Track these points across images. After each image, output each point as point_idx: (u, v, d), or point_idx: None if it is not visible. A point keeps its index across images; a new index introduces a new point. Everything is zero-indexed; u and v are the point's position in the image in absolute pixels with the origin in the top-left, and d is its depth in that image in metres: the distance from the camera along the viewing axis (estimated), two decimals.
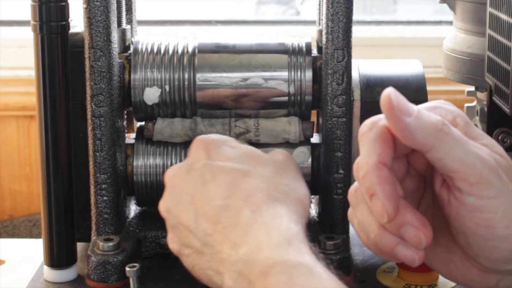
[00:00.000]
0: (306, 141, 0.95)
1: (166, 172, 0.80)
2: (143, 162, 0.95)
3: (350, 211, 0.69)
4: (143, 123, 0.97)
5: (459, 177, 0.64)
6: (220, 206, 0.71)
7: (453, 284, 0.91)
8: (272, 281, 0.61)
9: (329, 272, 0.64)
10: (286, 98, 0.94)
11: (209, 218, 0.71)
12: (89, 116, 0.91)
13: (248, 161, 0.77)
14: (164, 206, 0.78)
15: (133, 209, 0.99)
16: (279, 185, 0.75)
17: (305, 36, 0.97)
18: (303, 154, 0.94)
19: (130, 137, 0.98)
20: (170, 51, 0.94)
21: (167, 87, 0.94)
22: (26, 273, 0.96)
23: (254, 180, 0.74)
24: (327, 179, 0.92)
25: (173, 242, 0.76)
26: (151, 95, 0.94)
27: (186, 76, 0.94)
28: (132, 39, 0.98)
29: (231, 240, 0.68)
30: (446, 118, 0.67)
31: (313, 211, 0.98)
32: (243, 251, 0.66)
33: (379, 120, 0.67)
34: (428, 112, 0.65)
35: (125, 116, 0.97)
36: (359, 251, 0.96)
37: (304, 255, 0.64)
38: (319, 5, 0.95)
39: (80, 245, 0.96)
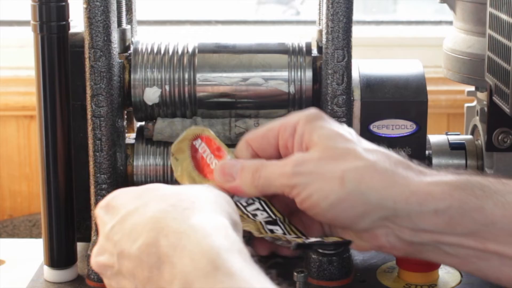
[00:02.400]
0: None
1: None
2: (143, 162, 0.95)
3: None
4: (143, 123, 0.97)
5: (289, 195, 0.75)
6: (138, 247, 0.65)
7: (453, 284, 0.91)
8: None
9: (266, 282, 0.61)
10: (286, 98, 0.94)
11: (136, 263, 0.65)
12: (89, 116, 0.91)
13: (142, 198, 0.70)
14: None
15: None
16: (181, 196, 0.69)
17: (305, 36, 0.97)
18: None
19: (130, 137, 0.98)
20: (170, 51, 0.94)
21: (167, 87, 0.94)
22: (26, 273, 0.96)
23: (154, 206, 0.67)
24: None
25: None
26: (151, 95, 0.94)
27: (186, 76, 0.94)
28: (132, 39, 0.98)
29: (164, 278, 0.63)
30: (285, 132, 0.77)
31: None
32: None
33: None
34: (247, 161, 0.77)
35: (125, 116, 0.97)
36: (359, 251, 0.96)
37: (236, 277, 0.59)
38: (319, 5, 0.95)
39: (80, 245, 0.96)
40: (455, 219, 0.73)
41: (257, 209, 0.76)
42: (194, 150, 0.83)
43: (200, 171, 0.81)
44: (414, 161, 0.76)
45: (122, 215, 0.68)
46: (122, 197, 0.71)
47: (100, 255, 0.69)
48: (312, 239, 0.74)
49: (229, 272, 0.59)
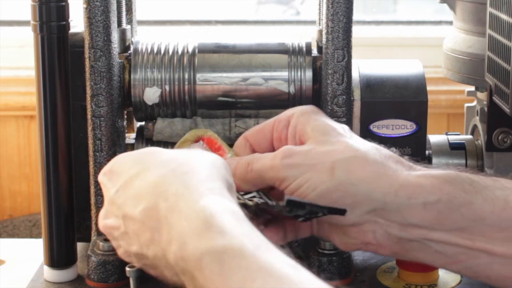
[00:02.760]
0: None
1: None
2: None
3: None
4: (143, 123, 0.97)
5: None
6: (140, 211, 0.68)
7: (453, 284, 0.91)
8: (207, 272, 0.60)
9: (258, 239, 0.62)
10: (286, 98, 0.94)
11: (139, 225, 0.68)
12: (89, 116, 0.91)
13: (142, 162, 0.73)
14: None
15: None
16: (179, 160, 0.71)
17: (305, 36, 0.97)
18: None
19: (130, 137, 0.98)
20: (170, 51, 0.94)
21: (167, 87, 0.94)
22: (26, 273, 0.96)
23: (154, 171, 0.70)
24: None
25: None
26: (151, 95, 0.94)
27: (186, 76, 0.94)
28: (132, 39, 0.98)
29: (163, 240, 0.65)
30: (280, 124, 0.78)
31: None
32: (173, 249, 0.64)
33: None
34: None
35: (125, 116, 0.97)
36: (359, 251, 0.96)
37: (228, 235, 0.62)
38: (319, 5, 0.95)
39: (80, 245, 0.96)
40: (443, 213, 0.73)
41: (254, 196, 0.77)
42: None
43: None
44: (404, 157, 0.76)
45: (125, 180, 0.71)
46: (123, 162, 0.74)
47: (106, 218, 0.72)
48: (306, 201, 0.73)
49: (221, 230, 0.62)
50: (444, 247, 0.74)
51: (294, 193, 0.74)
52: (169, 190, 0.67)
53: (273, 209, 0.75)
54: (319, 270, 0.91)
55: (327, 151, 0.75)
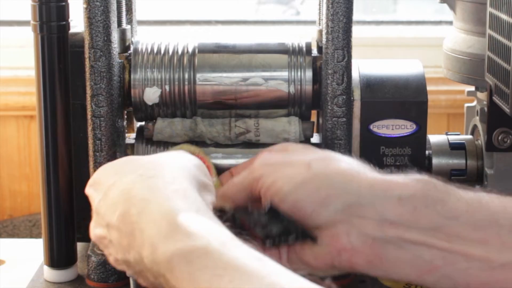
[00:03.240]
0: (306, 141, 0.95)
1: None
2: None
3: None
4: (143, 123, 0.97)
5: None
6: (116, 218, 0.69)
7: None
8: (177, 274, 0.62)
9: (224, 236, 0.63)
10: (286, 98, 0.94)
11: (118, 232, 0.70)
12: (89, 116, 0.91)
13: (118, 172, 0.74)
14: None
15: None
16: (148, 165, 0.72)
17: (305, 36, 0.97)
18: None
19: (130, 137, 0.98)
20: (170, 51, 0.94)
21: (167, 87, 0.94)
22: (26, 273, 0.96)
23: (125, 178, 0.71)
24: None
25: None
26: (151, 95, 0.94)
27: (186, 76, 0.94)
28: (132, 39, 0.98)
29: (137, 245, 0.67)
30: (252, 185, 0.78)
31: None
32: (146, 253, 0.65)
33: None
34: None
35: (125, 116, 0.97)
36: None
37: (193, 235, 0.63)
38: (319, 5, 0.95)
39: (80, 245, 0.96)
40: (419, 210, 0.72)
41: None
42: None
43: None
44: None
45: (105, 191, 0.72)
46: (103, 173, 0.75)
47: (95, 228, 0.74)
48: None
49: (186, 231, 0.63)
50: (421, 250, 0.72)
51: (269, 189, 0.74)
52: (137, 196, 0.68)
53: (249, 220, 0.75)
54: None
55: (303, 154, 0.77)
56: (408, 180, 0.74)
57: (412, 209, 0.72)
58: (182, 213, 0.65)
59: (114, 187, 0.71)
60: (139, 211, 0.67)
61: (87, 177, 0.93)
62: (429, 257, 0.72)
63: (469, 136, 1.05)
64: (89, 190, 0.76)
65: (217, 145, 0.94)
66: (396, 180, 0.74)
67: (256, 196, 0.77)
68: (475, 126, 1.05)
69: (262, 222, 0.74)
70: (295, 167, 0.75)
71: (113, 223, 0.69)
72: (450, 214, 0.72)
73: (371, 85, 0.95)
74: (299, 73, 0.94)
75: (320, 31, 0.93)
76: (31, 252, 1.03)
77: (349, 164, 0.76)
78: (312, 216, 0.74)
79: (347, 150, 0.92)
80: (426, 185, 0.73)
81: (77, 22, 0.94)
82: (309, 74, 0.94)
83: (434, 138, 1.02)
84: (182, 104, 0.94)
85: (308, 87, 0.94)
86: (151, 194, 0.68)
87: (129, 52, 0.95)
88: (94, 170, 0.91)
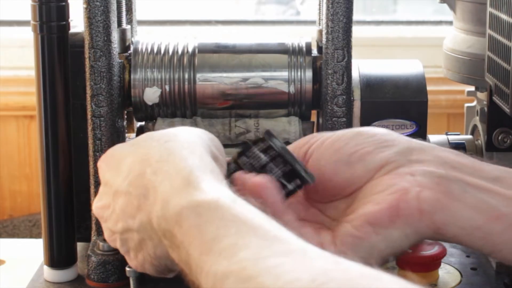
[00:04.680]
0: None
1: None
2: None
3: None
4: (143, 123, 0.97)
5: None
6: (129, 182, 0.70)
7: (453, 284, 0.91)
8: (185, 226, 0.62)
9: (236, 195, 0.64)
10: (286, 98, 0.94)
11: (127, 197, 0.70)
12: (89, 116, 0.91)
13: (134, 144, 0.75)
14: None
15: None
16: (164, 133, 0.73)
17: (305, 36, 0.97)
18: None
19: (130, 137, 0.98)
20: (170, 51, 0.94)
21: (167, 87, 0.94)
22: (26, 273, 0.96)
23: (142, 144, 0.72)
24: None
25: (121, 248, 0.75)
26: (151, 95, 0.94)
27: (186, 76, 0.94)
28: (132, 39, 0.98)
29: (149, 205, 0.68)
30: (299, 144, 0.75)
31: None
32: (157, 210, 0.66)
33: None
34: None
35: (125, 116, 0.97)
36: None
37: (205, 190, 0.64)
38: (319, 5, 0.95)
39: (80, 245, 0.96)
40: (477, 163, 0.71)
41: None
42: None
43: None
44: None
45: (118, 161, 0.73)
46: (120, 148, 0.76)
47: (99, 201, 0.74)
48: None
49: (199, 186, 0.64)
50: (485, 195, 0.69)
51: (329, 138, 0.74)
52: (153, 157, 0.69)
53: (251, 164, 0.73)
54: None
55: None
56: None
57: (471, 162, 0.71)
58: (197, 171, 0.66)
59: (129, 155, 0.72)
60: (155, 171, 0.68)
61: (87, 177, 0.93)
62: (495, 202, 0.69)
63: (469, 136, 1.05)
64: (100, 164, 0.76)
65: None
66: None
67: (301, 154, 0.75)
68: (475, 126, 1.05)
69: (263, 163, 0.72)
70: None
71: (122, 188, 0.70)
72: (505, 169, 0.71)
73: (371, 85, 0.95)
74: (299, 73, 0.94)
75: (320, 31, 0.93)
76: (31, 252, 1.03)
77: None
78: (372, 155, 0.72)
79: None
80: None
81: (77, 22, 0.94)
82: (309, 74, 0.94)
83: (434, 138, 1.02)
84: (182, 104, 0.94)
85: (308, 87, 0.94)
86: (168, 155, 0.69)
87: (129, 52, 0.95)
88: (94, 170, 0.91)
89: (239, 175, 0.72)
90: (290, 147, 0.75)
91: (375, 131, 0.74)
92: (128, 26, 0.96)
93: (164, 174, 0.67)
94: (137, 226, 0.69)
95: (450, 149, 0.73)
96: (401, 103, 0.95)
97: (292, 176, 0.72)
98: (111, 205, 0.72)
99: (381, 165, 0.72)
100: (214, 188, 0.64)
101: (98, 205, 0.74)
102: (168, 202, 0.64)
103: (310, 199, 0.75)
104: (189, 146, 0.70)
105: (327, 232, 0.72)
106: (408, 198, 0.69)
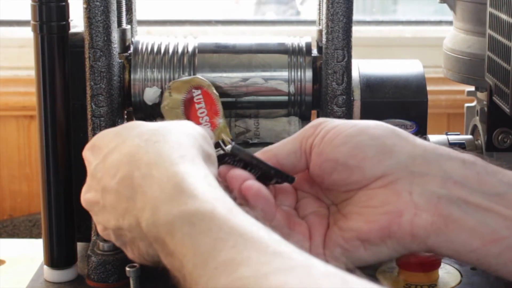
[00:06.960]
0: None
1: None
2: None
3: None
4: None
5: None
6: (117, 181, 0.68)
7: (453, 284, 0.91)
8: (178, 236, 0.60)
9: (231, 203, 0.62)
10: (286, 98, 0.94)
11: (116, 196, 0.69)
12: (89, 116, 0.91)
13: (120, 136, 0.73)
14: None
15: None
16: (154, 131, 0.71)
17: (305, 36, 0.97)
18: None
19: None
20: (170, 51, 0.94)
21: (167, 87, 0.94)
22: (26, 273, 0.96)
23: (129, 142, 0.70)
24: None
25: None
26: (151, 95, 0.94)
27: (186, 76, 0.94)
28: (132, 39, 0.98)
29: (137, 209, 0.66)
30: (307, 134, 0.73)
31: None
32: (146, 215, 0.64)
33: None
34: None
35: (125, 116, 0.97)
36: None
37: (199, 198, 0.61)
38: (319, 5, 0.95)
39: (80, 245, 0.96)
40: (482, 175, 0.69)
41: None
42: (190, 96, 0.90)
43: (187, 117, 0.88)
44: None
45: (104, 154, 0.71)
46: (104, 137, 0.74)
47: (87, 193, 0.73)
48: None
49: (192, 194, 0.62)
50: (485, 216, 0.68)
51: (331, 131, 0.71)
52: (142, 159, 0.67)
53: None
54: None
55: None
56: (465, 153, 0.71)
57: (475, 174, 0.69)
58: (189, 177, 0.64)
59: (116, 150, 0.70)
60: (144, 174, 0.66)
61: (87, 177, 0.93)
62: (494, 224, 0.68)
63: (469, 136, 1.05)
64: (86, 154, 0.75)
65: None
66: (456, 149, 0.71)
67: (304, 148, 0.74)
68: (475, 126, 1.06)
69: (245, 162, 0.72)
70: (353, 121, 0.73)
71: (111, 187, 0.68)
72: (511, 182, 0.69)
73: (371, 85, 0.95)
74: (299, 73, 0.94)
75: (320, 31, 0.93)
76: (31, 252, 1.03)
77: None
78: (372, 163, 0.70)
79: None
80: (482, 158, 0.70)
81: (77, 22, 0.94)
82: (309, 74, 0.94)
83: (434, 138, 1.02)
84: None
85: (308, 87, 0.94)
86: (157, 159, 0.66)
87: (129, 52, 0.95)
88: None
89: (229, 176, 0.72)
90: (297, 135, 0.75)
91: (379, 132, 0.71)
92: (128, 26, 0.96)
93: (154, 179, 0.65)
94: (127, 227, 0.68)
95: (457, 155, 0.70)
96: (401, 103, 0.95)
97: (269, 178, 0.73)
98: (100, 201, 0.71)
99: (379, 175, 0.70)
100: (208, 196, 0.62)
101: (87, 198, 0.73)
102: (158, 209, 0.63)
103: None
104: (180, 149, 0.68)
105: (318, 238, 0.72)
106: (401, 221, 0.68)
